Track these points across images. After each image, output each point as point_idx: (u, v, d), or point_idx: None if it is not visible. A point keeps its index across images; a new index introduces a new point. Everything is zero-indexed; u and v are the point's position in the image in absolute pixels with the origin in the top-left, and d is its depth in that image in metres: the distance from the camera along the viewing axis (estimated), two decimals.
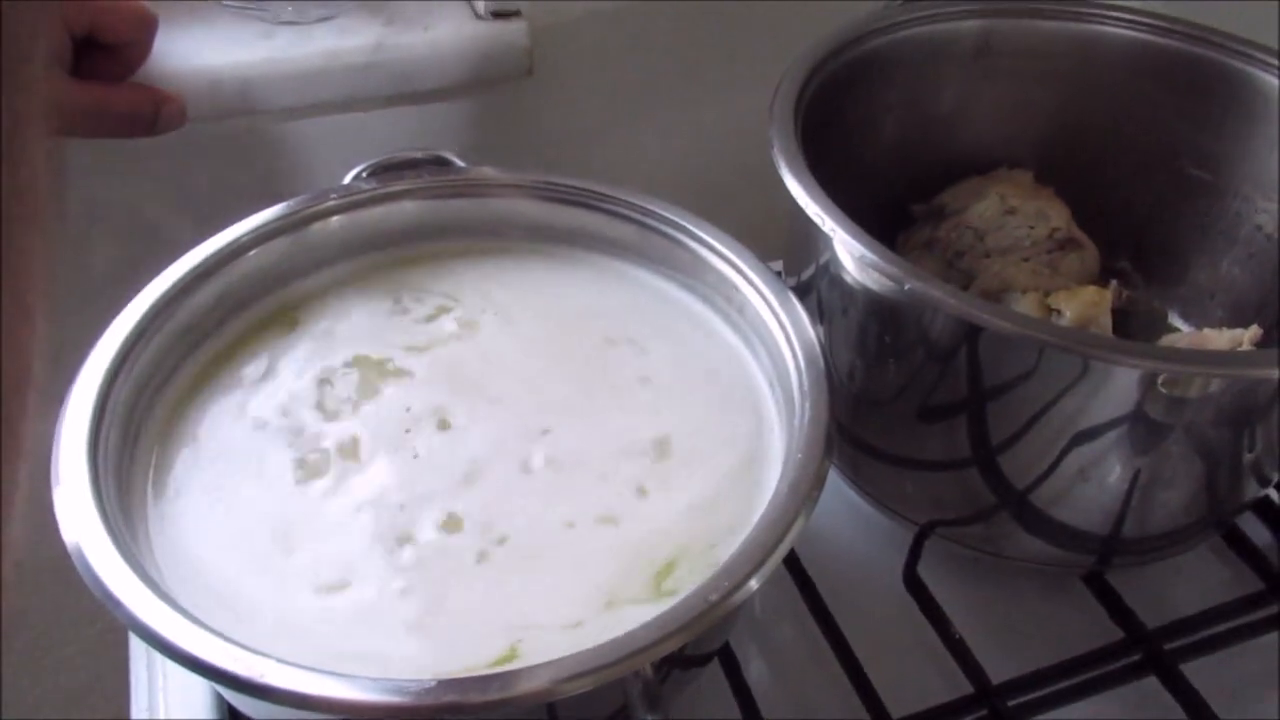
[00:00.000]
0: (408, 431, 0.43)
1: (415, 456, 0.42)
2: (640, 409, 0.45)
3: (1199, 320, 0.60)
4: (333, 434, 0.43)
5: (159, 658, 0.45)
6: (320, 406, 0.44)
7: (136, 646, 0.49)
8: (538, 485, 0.42)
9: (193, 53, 0.58)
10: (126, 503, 0.39)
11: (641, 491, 0.42)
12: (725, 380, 0.46)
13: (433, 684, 0.32)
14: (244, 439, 0.43)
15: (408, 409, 0.44)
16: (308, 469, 0.42)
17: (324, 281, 0.49)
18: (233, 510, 0.41)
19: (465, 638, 0.37)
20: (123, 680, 0.48)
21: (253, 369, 0.46)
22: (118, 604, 0.34)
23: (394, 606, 0.38)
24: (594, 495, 0.42)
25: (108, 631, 0.68)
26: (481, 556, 0.39)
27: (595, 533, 0.41)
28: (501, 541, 0.40)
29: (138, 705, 0.46)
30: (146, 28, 0.54)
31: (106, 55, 0.53)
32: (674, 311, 0.49)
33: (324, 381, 0.45)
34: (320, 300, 0.49)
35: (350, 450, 0.43)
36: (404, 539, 0.40)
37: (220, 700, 0.44)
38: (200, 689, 0.45)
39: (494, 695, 0.32)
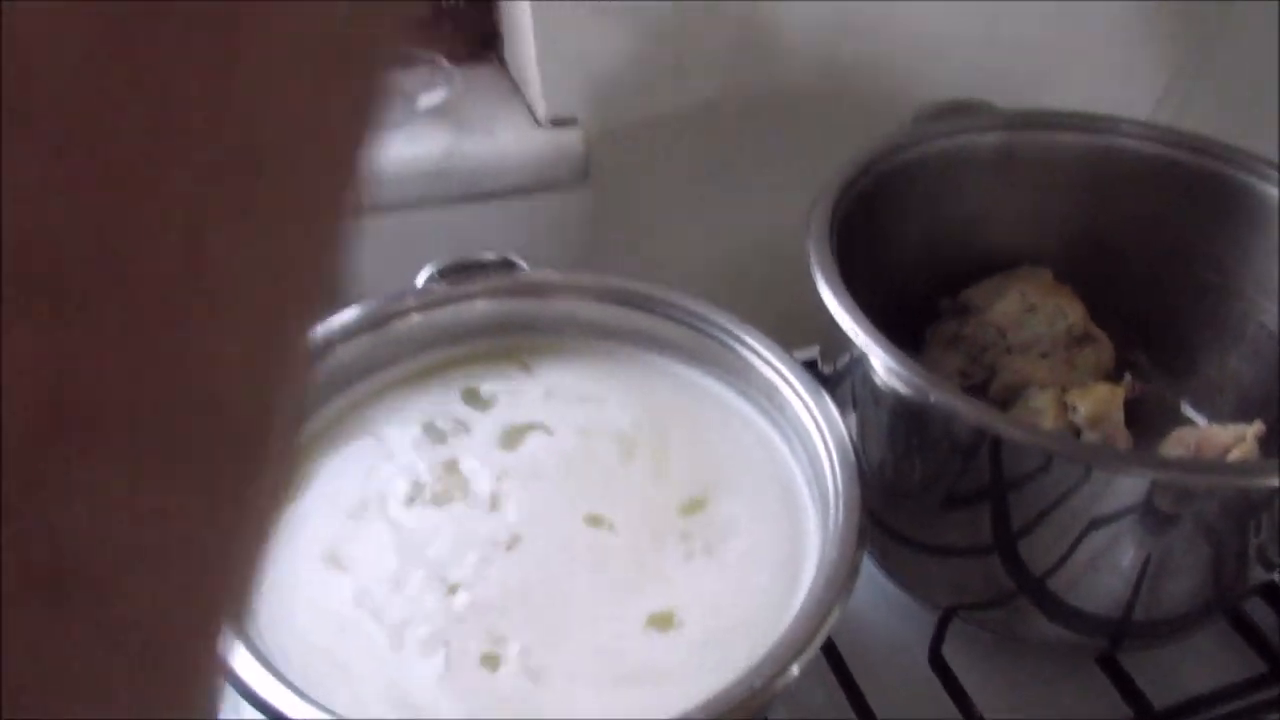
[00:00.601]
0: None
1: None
2: (689, 501, 0.49)
3: (1209, 411, 0.63)
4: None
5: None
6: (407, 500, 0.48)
7: None
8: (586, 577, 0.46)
9: None
10: None
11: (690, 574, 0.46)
12: (767, 475, 0.51)
13: None
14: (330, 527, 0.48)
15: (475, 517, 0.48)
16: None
17: (398, 375, 0.54)
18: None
19: None
20: None
21: (333, 462, 0.50)
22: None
23: None
24: (643, 588, 0.46)
25: None
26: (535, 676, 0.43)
27: (644, 629, 0.45)
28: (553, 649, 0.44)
29: None
30: None
31: None
32: (720, 408, 0.53)
33: (403, 478, 0.49)
34: (394, 393, 0.54)
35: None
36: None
37: None
38: None
39: None
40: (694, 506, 0.49)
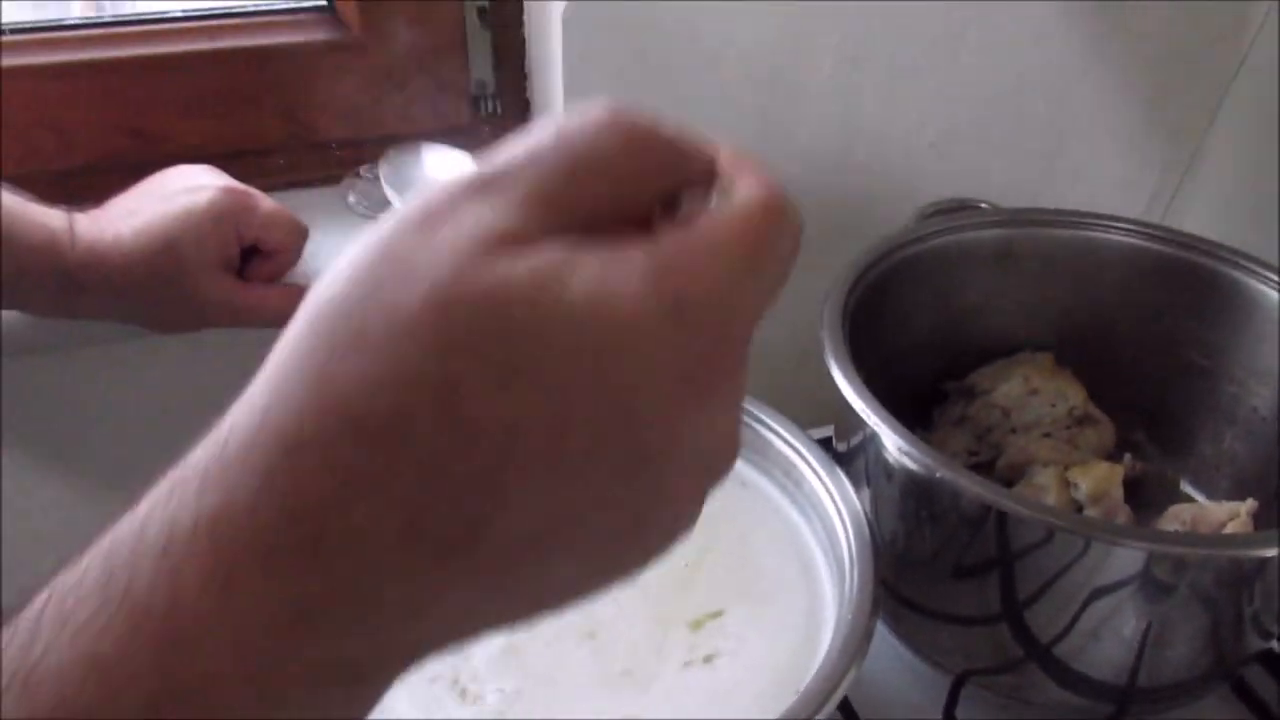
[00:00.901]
0: None
1: None
2: (712, 578, 0.53)
3: (1207, 489, 0.66)
4: None
5: None
6: None
7: None
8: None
9: (333, 254, 0.69)
10: None
11: (709, 657, 0.49)
12: (785, 546, 0.54)
13: None
14: None
15: None
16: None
17: None
18: None
19: None
20: None
21: None
22: None
23: None
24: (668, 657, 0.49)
25: None
26: None
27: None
28: None
29: None
30: (299, 236, 0.65)
31: (265, 260, 0.64)
32: (741, 485, 0.57)
33: None
34: None
35: None
36: None
37: None
38: None
39: None
40: (715, 581, 0.52)
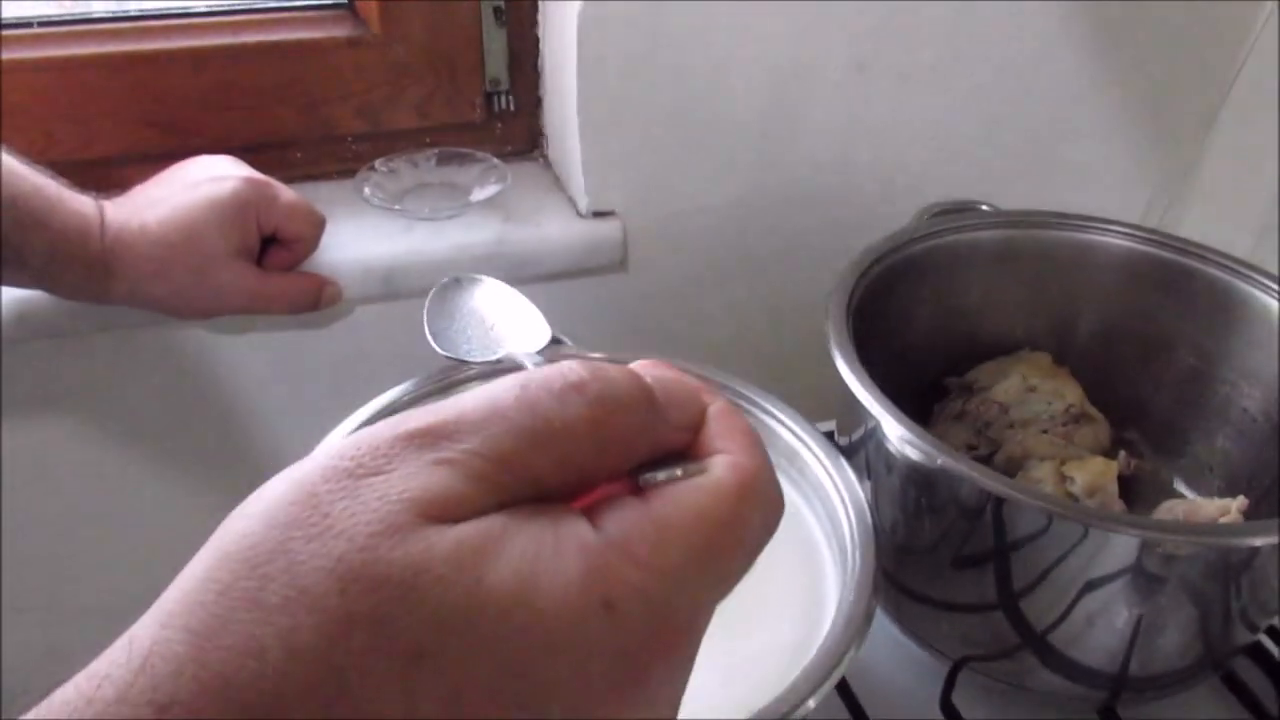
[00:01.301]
0: None
1: None
2: None
3: (1199, 487, 0.68)
4: None
5: None
6: None
7: None
8: None
9: (347, 245, 0.71)
10: None
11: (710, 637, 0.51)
12: (788, 531, 0.56)
13: None
14: None
15: None
16: None
17: None
18: None
19: None
20: None
21: None
22: None
23: None
24: None
25: None
26: None
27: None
28: None
29: None
30: (317, 226, 0.66)
31: (284, 249, 0.65)
32: None
33: None
34: None
35: None
36: None
37: None
38: None
39: None
40: None
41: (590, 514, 0.22)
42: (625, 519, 0.22)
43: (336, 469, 0.21)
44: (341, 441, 0.22)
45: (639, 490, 0.23)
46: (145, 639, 0.20)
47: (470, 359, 0.43)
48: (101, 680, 0.19)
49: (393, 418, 0.22)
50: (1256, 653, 0.61)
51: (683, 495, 0.22)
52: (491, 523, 0.20)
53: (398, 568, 0.19)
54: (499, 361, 0.43)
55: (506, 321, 0.47)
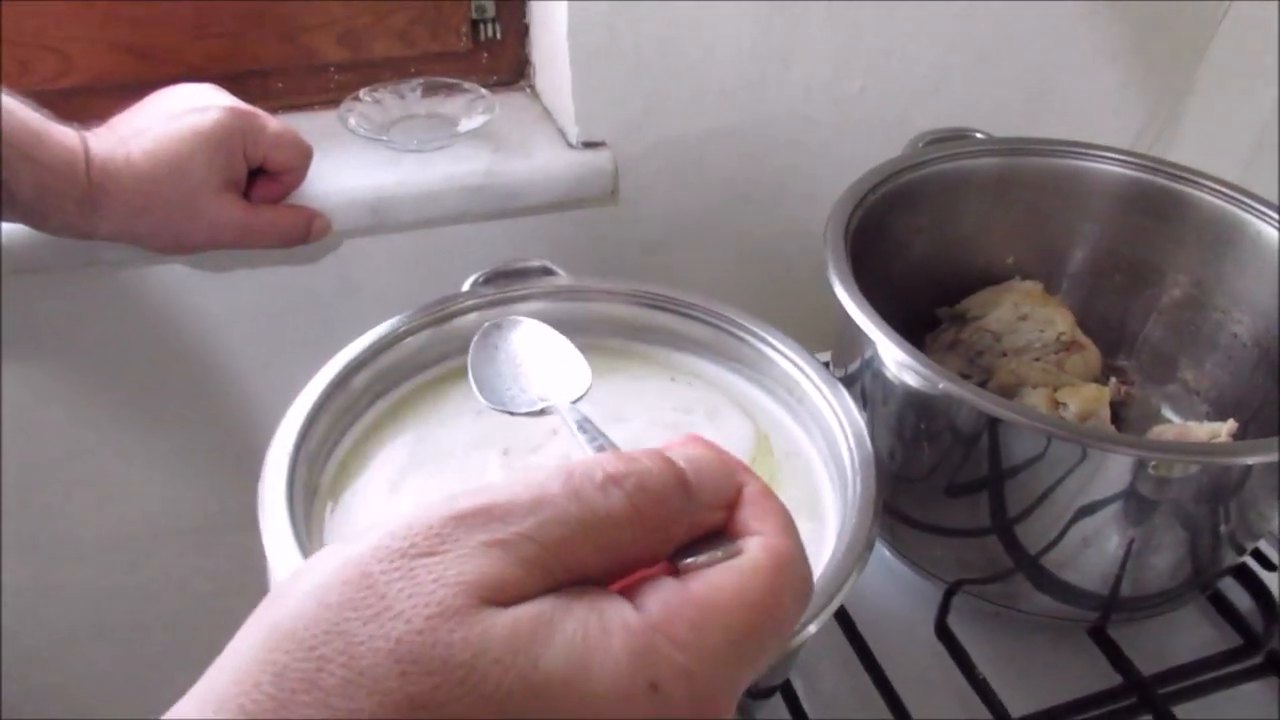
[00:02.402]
0: None
1: None
2: None
3: (1187, 414, 0.69)
4: None
5: None
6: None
7: None
8: None
9: (333, 176, 0.69)
10: (314, 541, 0.48)
11: None
12: (788, 459, 0.56)
13: None
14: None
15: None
16: None
17: (453, 367, 0.59)
18: None
19: None
20: None
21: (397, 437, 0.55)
22: None
23: None
24: None
25: None
26: None
27: None
28: None
29: None
30: (305, 157, 0.65)
31: (272, 180, 0.64)
32: (743, 401, 0.59)
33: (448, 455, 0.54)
34: (449, 384, 0.59)
35: None
36: None
37: None
38: None
39: None
40: None
41: (630, 596, 0.23)
42: (666, 601, 0.22)
43: (389, 549, 0.21)
44: (392, 523, 0.22)
45: (676, 572, 0.24)
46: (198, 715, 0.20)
47: (515, 410, 0.45)
48: None
49: (441, 499, 0.22)
50: (1242, 573, 0.63)
51: (720, 578, 0.23)
52: (542, 606, 0.21)
53: (456, 650, 0.20)
54: (542, 412, 0.44)
55: (547, 364, 0.49)
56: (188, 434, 0.79)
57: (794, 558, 0.24)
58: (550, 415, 0.45)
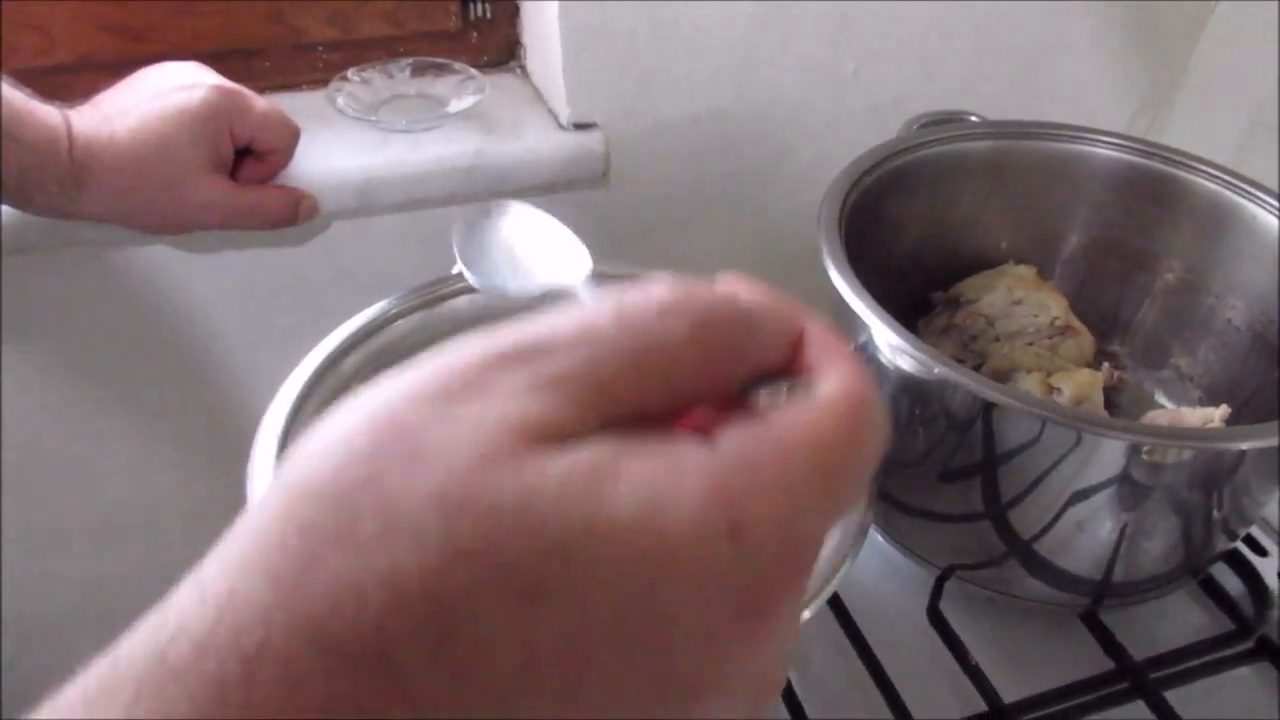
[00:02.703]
0: None
1: None
2: None
3: (1180, 399, 0.69)
4: None
5: None
6: None
7: None
8: None
9: (323, 157, 0.68)
10: None
11: None
12: None
13: None
14: None
15: None
16: None
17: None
18: None
19: None
20: None
21: None
22: None
23: None
24: None
25: None
26: None
27: None
28: None
29: None
30: (293, 137, 0.64)
31: (259, 161, 0.63)
32: None
33: None
34: None
35: None
36: None
37: None
38: None
39: None
40: None
41: (699, 435, 0.20)
42: (743, 440, 0.20)
43: (423, 394, 0.19)
44: (423, 366, 0.20)
45: (743, 411, 0.21)
46: (220, 585, 0.18)
47: (511, 291, 0.41)
48: (175, 632, 0.18)
49: (476, 338, 0.20)
50: (1234, 558, 0.63)
51: (799, 415, 0.20)
52: (601, 447, 0.19)
53: (508, 495, 0.18)
54: (544, 293, 0.41)
55: (543, 250, 0.45)
56: (175, 417, 0.79)
57: (870, 396, 0.21)
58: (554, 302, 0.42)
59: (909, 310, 0.70)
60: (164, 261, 0.71)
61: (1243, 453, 0.51)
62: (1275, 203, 0.62)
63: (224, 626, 0.17)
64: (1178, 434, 0.53)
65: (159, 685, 0.17)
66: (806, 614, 0.45)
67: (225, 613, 0.18)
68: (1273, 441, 0.49)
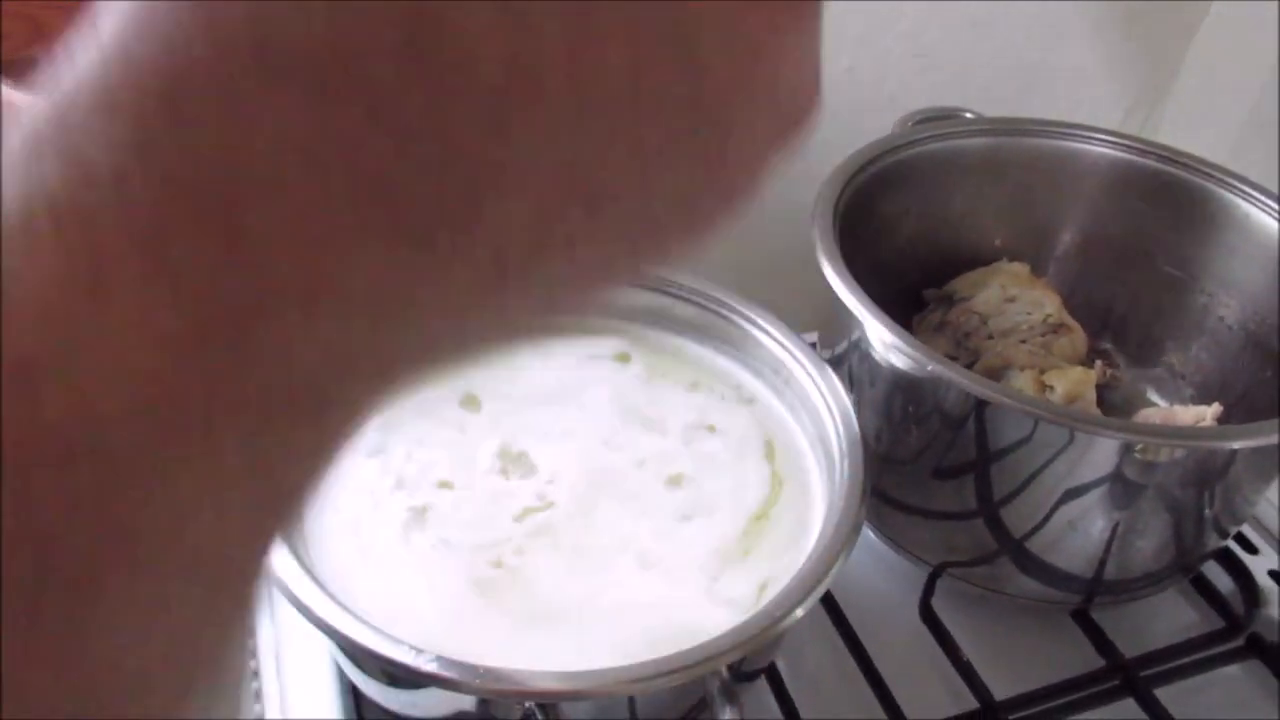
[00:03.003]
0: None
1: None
2: (705, 471, 0.53)
3: (1172, 397, 0.69)
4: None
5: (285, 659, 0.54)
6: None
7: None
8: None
9: None
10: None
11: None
12: (774, 442, 0.55)
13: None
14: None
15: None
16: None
17: None
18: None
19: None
20: None
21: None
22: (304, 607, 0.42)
23: None
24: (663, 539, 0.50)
25: None
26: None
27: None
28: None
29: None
30: None
31: None
32: (729, 381, 0.58)
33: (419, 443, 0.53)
34: None
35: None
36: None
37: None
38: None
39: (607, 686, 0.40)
40: (707, 473, 0.53)
41: None
42: None
43: None
44: None
45: None
46: (114, 29, 0.14)
47: None
48: (78, 77, 0.14)
49: None
50: (1224, 557, 0.63)
51: None
52: None
53: None
54: None
55: None
56: None
57: None
58: None
59: (903, 307, 0.70)
60: None
61: (1235, 451, 0.51)
62: (1269, 201, 0.62)
63: (137, 55, 0.14)
64: (1170, 433, 0.53)
65: (61, 134, 0.14)
66: (799, 612, 0.45)
67: (133, 43, 0.14)
68: (1265, 441, 0.49)
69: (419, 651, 0.40)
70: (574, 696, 0.40)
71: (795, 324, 0.57)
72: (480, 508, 0.50)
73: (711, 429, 0.55)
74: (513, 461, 0.53)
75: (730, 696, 0.43)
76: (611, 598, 0.47)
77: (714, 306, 0.58)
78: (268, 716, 0.54)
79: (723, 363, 0.59)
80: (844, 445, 0.51)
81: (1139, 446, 0.50)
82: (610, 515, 0.50)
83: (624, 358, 0.58)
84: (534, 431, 0.54)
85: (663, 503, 0.51)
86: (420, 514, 0.50)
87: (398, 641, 0.40)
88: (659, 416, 0.55)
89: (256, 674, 0.58)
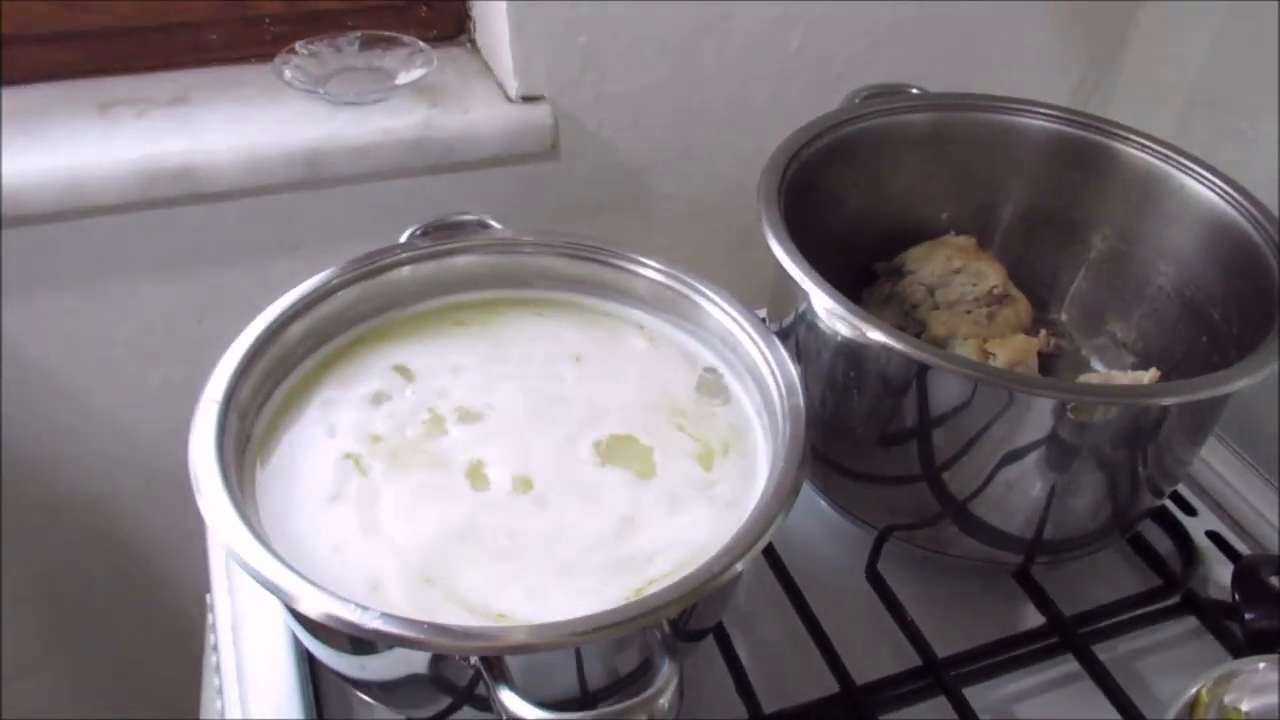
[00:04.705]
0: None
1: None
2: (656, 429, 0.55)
3: (1115, 365, 0.70)
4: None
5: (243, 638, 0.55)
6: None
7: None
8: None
9: (270, 129, 0.68)
10: (245, 490, 0.48)
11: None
12: (725, 408, 0.56)
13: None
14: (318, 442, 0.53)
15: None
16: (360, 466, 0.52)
17: (392, 320, 0.59)
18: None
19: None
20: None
21: (332, 391, 0.55)
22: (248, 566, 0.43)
23: None
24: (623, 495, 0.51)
25: None
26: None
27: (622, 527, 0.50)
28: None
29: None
30: None
31: None
32: (678, 352, 0.59)
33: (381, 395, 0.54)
34: (385, 336, 0.59)
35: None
36: None
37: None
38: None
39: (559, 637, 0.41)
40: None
41: None
42: None
43: None
44: None
45: None
46: None
47: None
48: None
49: None
50: (1161, 516, 0.64)
51: None
52: None
53: None
54: None
55: None
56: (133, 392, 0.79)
57: None
58: None
59: (855, 281, 0.72)
60: (104, 233, 0.71)
61: (1165, 410, 0.53)
62: (1204, 171, 0.64)
63: None
64: (1102, 391, 0.55)
65: None
66: (739, 566, 0.45)
67: None
68: (1193, 397, 0.50)
69: (364, 609, 0.40)
70: (517, 650, 0.41)
71: (751, 300, 0.58)
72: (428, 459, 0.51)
73: None
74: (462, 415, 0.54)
75: (673, 652, 0.44)
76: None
77: (663, 278, 0.59)
78: (225, 686, 0.55)
79: (675, 333, 0.60)
80: (788, 409, 0.52)
81: (1072, 405, 0.51)
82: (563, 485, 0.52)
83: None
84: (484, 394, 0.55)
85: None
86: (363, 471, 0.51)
87: (344, 600, 0.41)
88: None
89: (215, 646, 0.58)
